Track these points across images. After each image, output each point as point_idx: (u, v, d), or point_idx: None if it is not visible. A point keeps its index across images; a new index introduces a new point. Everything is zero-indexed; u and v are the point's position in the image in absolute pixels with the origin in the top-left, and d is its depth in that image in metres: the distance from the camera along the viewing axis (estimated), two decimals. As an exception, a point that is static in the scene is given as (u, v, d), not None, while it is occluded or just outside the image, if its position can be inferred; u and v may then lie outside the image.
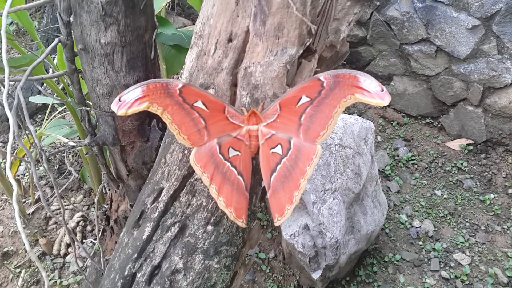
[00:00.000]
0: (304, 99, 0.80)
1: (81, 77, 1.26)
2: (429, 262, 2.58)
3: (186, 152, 0.89)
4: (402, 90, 3.25)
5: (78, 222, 2.55)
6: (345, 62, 3.53)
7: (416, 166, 3.08)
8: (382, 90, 0.76)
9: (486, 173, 2.98)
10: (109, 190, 1.79)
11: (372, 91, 0.75)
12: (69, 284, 2.32)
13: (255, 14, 0.78)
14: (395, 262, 2.59)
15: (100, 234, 1.88)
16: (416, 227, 2.74)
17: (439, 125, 3.26)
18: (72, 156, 3.05)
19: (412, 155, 3.12)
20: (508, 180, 2.92)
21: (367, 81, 0.76)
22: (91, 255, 2.35)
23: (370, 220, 2.25)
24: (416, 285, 2.49)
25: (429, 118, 3.27)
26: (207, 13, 0.86)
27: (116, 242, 1.84)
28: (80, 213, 2.58)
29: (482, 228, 2.72)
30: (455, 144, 3.12)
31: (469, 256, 2.59)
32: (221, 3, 0.82)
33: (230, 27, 0.83)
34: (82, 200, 2.71)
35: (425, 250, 2.64)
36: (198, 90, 0.82)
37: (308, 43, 0.81)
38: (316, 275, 2.00)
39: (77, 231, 2.50)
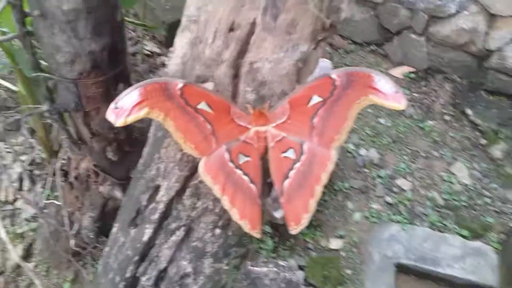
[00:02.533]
0: (316, 99, 0.75)
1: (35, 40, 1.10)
2: (375, 189, 2.76)
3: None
4: (349, 16, 3.21)
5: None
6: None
7: (362, 96, 3.16)
8: (397, 92, 0.73)
9: (426, 100, 3.13)
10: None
11: (387, 92, 0.72)
12: (23, 232, 2.23)
13: (265, 7, 0.70)
14: (344, 190, 2.73)
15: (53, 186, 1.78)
16: (363, 156, 2.87)
17: (383, 52, 3.30)
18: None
19: (359, 85, 3.18)
20: (445, 107, 3.09)
21: (382, 81, 0.72)
22: (43, 201, 2.23)
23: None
24: (363, 210, 2.67)
25: (374, 45, 3.30)
26: (203, -3, 0.75)
27: (76, 196, 1.77)
28: (25, 156, 2.42)
29: (422, 154, 2.91)
30: (398, 72, 3.21)
31: (410, 181, 2.79)
32: (223, -11, 0.72)
33: (233, 16, 0.73)
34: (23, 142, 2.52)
35: (371, 177, 2.80)
36: (200, 89, 0.74)
37: (321, 39, 0.74)
38: (278, 214, 2.07)
39: (25, 176, 2.35)
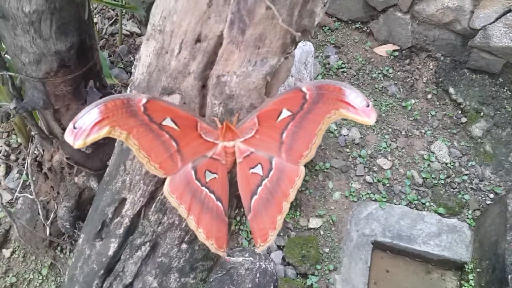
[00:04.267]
0: (285, 113, 0.74)
1: (-2, 39, 1.06)
2: (355, 168, 2.78)
3: (151, 164, 0.80)
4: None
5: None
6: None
7: (345, 74, 3.13)
8: (368, 106, 0.71)
9: (409, 79, 3.12)
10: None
11: (358, 106, 0.71)
12: (0, 218, 2.21)
13: (232, 21, 0.67)
14: (325, 170, 2.75)
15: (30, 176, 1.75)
16: (344, 135, 2.88)
17: (368, 30, 3.26)
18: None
19: (342, 63, 3.15)
20: (428, 86, 3.09)
21: (353, 95, 0.71)
22: (19, 187, 2.21)
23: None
24: (343, 189, 2.70)
25: (359, 23, 3.25)
26: (168, 6, 0.71)
27: (51, 186, 1.74)
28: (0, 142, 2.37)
29: (403, 133, 2.92)
30: (382, 50, 3.18)
31: (390, 160, 2.81)
32: (188, 0, 0.68)
33: (199, 28, 0.70)
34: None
35: (351, 157, 2.82)
36: (165, 104, 0.72)
37: (291, 51, 0.72)
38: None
39: (0, 162, 2.31)
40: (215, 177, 0.77)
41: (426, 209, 2.66)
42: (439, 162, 2.83)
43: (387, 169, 2.77)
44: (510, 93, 3.04)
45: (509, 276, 2.15)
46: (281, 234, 2.49)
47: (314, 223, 2.58)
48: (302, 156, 0.74)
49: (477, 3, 2.75)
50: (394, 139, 2.90)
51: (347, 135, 2.87)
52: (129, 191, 0.84)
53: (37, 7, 0.89)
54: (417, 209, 2.65)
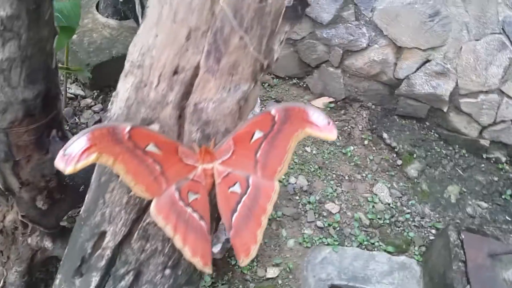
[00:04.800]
0: (258, 134, 0.81)
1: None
2: (306, 214, 2.86)
3: (132, 194, 0.83)
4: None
5: None
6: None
7: (288, 126, 3.30)
8: (329, 123, 0.80)
9: (346, 127, 3.34)
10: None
11: (320, 125, 0.80)
12: None
13: (208, 51, 0.75)
14: (277, 218, 2.81)
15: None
16: (292, 183, 2.98)
17: (304, 85, 3.50)
18: None
19: (284, 116, 3.32)
20: (363, 133, 3.31)
21: (315, 115, 0.80)
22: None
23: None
24: (297, 236, 2.76)
25: (296, 78, 3.48)
26: (147, 43, 0.79)
27: (1, 251, 1.67)
28: None
29: (346, 178, 3.07)
30: (319, 102, 3.40)
31: (337, 204, 2.93)
32: (167, 36, 0.76)
33: (177, 60, 0.78)
34: None
35: (301, 204, 2.91)
36: (148, 131, 0.77)
37: (259, 78, 0.81)
38: (216, 249, 2.09)
39: None
40: (197, 198, 0.81)
41: (376, 249, 2.76)
42: (382, 203, 2.99)
43: (336, 213, 2.88)
44: (437, 135, 3.33)
45: (460, 303, 2.26)
46: (240, 286, 2.48)
47: (272, 272, 2.59)
48: (276, 172, 0.81)
49: (399, 56, 3.06)
50: (339, 184, 3.04)
51: (295, 183, 2.97)
52: (109, 223, 0.85)
53: (10, 54, 0.92)
54: (368, 250, 2.75)
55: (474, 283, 2.30)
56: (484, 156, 3.28)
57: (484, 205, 3.10)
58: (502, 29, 2.71)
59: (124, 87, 0.84)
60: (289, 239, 2.73)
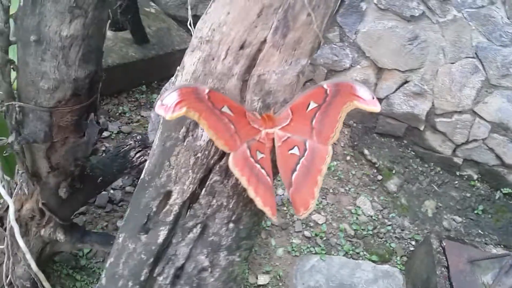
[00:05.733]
0: (312, 105, 0.91)
1: (12, 68, 1.11)
2: (294, 225, 2.95)
3: (199, 155, 0.91)
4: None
5: None
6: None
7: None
8: (373, 98, 0.92)
9: (329, 143, 3.47)
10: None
11: (366, 98, 0.91)
12: None
13: (276, 27, 0.85)
14: (267, 228, 2.88)
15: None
16: (281, 195, 3.07)
17: (290, 102, 3.64)
18: None
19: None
20: (345, 149, 3.47)
21: (362, 90, 0.91)
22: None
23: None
24: (285, 245, 2.83)
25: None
26: (218, 20, 0.88)
27: (12, 242, 1.66)
28: None
29: (331, 191, 3.20)
30: (304, 119, 3.54)
31: (323, 215, 3.04)
32: (239, 13, 0.86)
33: (246, 36, 0.87)
34: None
35: (289, 214, 2.99)
36: (222, 96, 0.86)
37: (315, 54, 0.91)
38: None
39: None
40: (263, 157, 0.90)
41: (361, 258, 2.87)
42: (365, 215, 3.12)
43: (322, 223, 2.98)
44: (413, 153, 3.53)
45: (445, 306, 2.38)
46: (233, 292, 2.51)
47: (263, 279, 2.64)
48: (329, 138, 0.91)
49: (380, 76, 3.26)
50: (324, 197, 3.15)
51: (283, 194, 3.07)
52: (175, 183, 0.92)
53: (74, 32, 0.99)
54: (354, 258, 2.85)
55: (456, 287, 2.44)
56: (458, 173, 3.49)
57: (459, 219, 3.29)
58: (475, 53, 2.96)
59: (191, 61, 0.92)
60: (278, 248, 2.80)
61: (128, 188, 2.64)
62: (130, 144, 1.61)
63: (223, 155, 0.92)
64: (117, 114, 3.05)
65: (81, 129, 1.26)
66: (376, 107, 0.90)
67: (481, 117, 3.18)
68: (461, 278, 2.49)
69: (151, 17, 3.39)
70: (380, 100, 3.32)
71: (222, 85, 0.90)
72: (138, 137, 1.66)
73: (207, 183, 0.91)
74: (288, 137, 0.92)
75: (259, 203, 0.87)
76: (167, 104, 0.77)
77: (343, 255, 2.85)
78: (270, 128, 0.91)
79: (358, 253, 2.89)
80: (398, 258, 2.93)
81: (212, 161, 0.91)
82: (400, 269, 2.86)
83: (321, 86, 0.91)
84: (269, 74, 0.89)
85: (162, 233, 0.93)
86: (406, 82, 3.24)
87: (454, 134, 3.31)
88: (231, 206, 0.93)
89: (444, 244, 2.65)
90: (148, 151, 1.61)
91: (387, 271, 2.83)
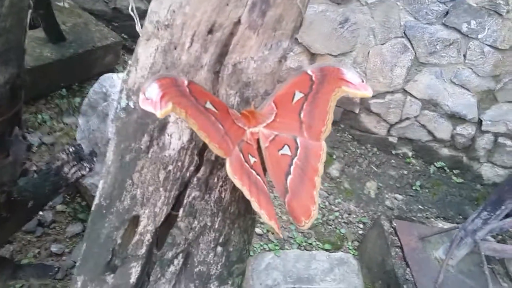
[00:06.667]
0: (298, 95, 0.77)
1: None
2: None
3: (170, 168, 0.73)
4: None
5: None
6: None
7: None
8: (363, 81, 0.80)
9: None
10: None
11: (355, 82, 0.79)
12: None
13: (253, 3, 0.70)
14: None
15: None
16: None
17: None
18: None
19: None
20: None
21: (350, 73, 0.79)
22: None
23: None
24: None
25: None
26: (179, -1, 0.71)
27: None
28: None
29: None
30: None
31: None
32: (205, -12, 0.70)
33: (215, 17, 0.71)
34: None
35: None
36: (202, 89, 0.69)
37: (296, 36, 0.78)
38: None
39: None
40: (255, 161, 0.75)
41: (314, 248, 2.82)
42: (312, 204, 3.06)
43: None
44: (351, 137, 3.54)
45: (404, 286, 2.38)
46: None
47: (218, 285, 2.49)
48: (321, 132, 0.78)
49: (313, 62, 3.21)
50: (271, 189, 3.05)
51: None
52: (142, 206, 0.73)
53: (-13, 25, 0.77)
54: (307, 250, 2.79)
55: (412, 265, 2.45)
56: (393, 152, 3.56)
57: (399, 197, 3.35)
58: (404, 33, 3.00)
59: (147, 52, 0.74)
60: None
61: (59, 207, 2.34)
62: (63, 158, 1.37)
63: (200, 165, 0.75)
64: (36, 123, 2.71)
65: (4, 148, 1.02)
66: (367, 92, 0.79)
67: (412, 95, 3.25)
68: (415, 256, 2.51)
69: (65, 12, 3.06)
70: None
71: (189, 79, 0.74)
72: (70, 149, 1.42)
73: (185, 201, 0.74)
74: (276, 135, 0.77)
75: (264, 216, 0.73)
76: (152, 97, 0.59)
77: (297, 248, 2.78)
78: (254, 127, 0.76)
79: (311, 243, 2.83)
80: (350, 243, 2.91)
81: (188, 174, 0.74)
82: (353, 254, 2.85)
83: (305, 72, 0.77)
84: (246, 62, 0.74)
85: (134, 271, 0.74)
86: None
87: (388, 114, 3.36)
88: (216, 226, 0.77)
89: (395, 224, 2.66)
90: (85, 164, 1.39)
91: (341, 258, 2.80)
